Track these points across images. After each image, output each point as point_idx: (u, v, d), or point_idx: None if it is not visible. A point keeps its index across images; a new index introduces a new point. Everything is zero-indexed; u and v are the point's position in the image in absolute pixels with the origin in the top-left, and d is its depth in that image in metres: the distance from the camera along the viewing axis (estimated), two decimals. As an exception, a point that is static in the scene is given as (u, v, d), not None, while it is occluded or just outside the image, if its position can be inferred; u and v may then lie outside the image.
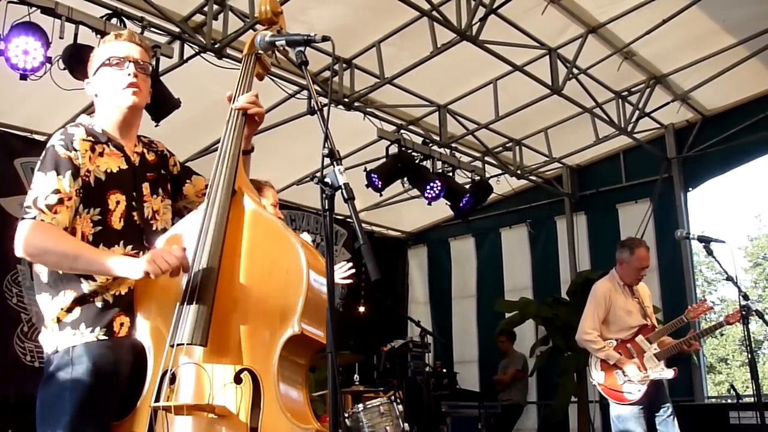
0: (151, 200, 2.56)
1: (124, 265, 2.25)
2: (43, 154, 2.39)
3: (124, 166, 2.49)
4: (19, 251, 2.29)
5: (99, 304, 2.35)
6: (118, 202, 2.43)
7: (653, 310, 5.90)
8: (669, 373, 5.39)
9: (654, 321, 5.68)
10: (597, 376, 5.52)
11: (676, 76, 8.38)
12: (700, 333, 5.87)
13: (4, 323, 6.56)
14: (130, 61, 2.52)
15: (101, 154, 2.45)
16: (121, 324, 2.36)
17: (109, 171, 2.44)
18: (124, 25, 5.47)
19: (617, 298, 5.55)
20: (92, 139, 2.45)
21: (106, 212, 2.40)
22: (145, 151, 2.63)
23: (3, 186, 6.72)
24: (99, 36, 5.30)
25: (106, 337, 2.33)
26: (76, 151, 2.37)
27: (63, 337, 2.33)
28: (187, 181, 2.74)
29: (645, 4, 6.89)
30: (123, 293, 2.38)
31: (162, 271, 2.19)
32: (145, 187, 2.55)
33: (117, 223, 2.42)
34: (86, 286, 2.34)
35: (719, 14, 7.20)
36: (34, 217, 2.26)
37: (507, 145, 9.32)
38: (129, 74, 2.49)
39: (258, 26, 2.84)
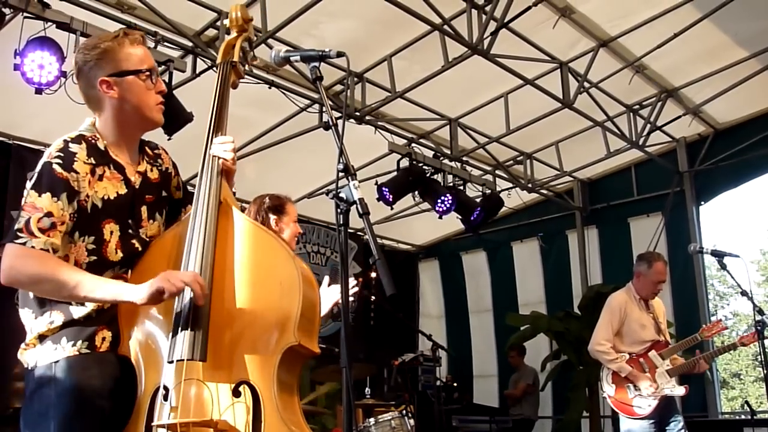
0: (147, 225, 2.43)
1: (130, 290, 2.15)
2: (39, 169, 2.21)
3: (123, 191, 2.35)
4: (7, 280, 2.13)
5: (81, 318, 2.25)
6: (112, 233, 2.30)
7: (666, 325, 5.87)
8: (680, 391, 5.36)
9: (667, 337, 5.64)
10: (608, 388, 5.49)
11: (688, 90, 8.37)
12: (712, 353, 5.81)
13: (15, 335, 6.54)
14: (155, 74, 2.42)
15: (101, 178, 2.30)
16: (103, 338, 2.26)
17: (106, 198, 2.30)
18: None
19: (632, 311, 5.52)
20: (93, 161, 2.28)
21: (101, 242, 2.28)
22: (149, 168, 2.49)
23: (17, 199, 6.72)
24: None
25: (89, 351, 2.23)
26: (76, 173, 2.21)
27: (44, 352, 2.23)
28: (183, 209, 2.61)
29: (656, 17, 6.88)
30: (105, 307, 2.26)
31: (173, 292, 2.11)
32: (143, 211, 2.42)
33: (114, 254, 2.30)
34: (77, 312, 2.24)
35: (731, 28, 7.18)
36: (25, 243, 2.10)
37: (518, 158, 9.31)
38: (159, 91, 2.42)
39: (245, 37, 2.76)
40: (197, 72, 6.23)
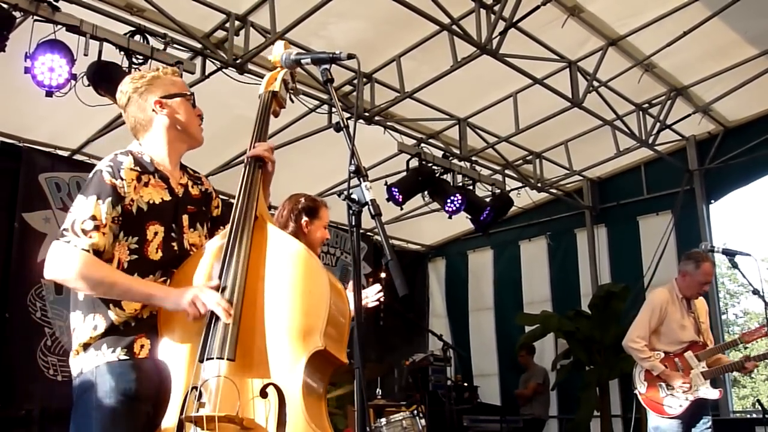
0: (188, 233, 2.59)
1: (161, 297, 2.36)
2: (90, 177, 2.45)
3: (167, 198, 2.54)
4: (50, 274, 2.35)
5: (121, 327, 2.40)
6: (156, 233, 2.48)
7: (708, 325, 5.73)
8: (714, 393, 5.26)
9: (708, 338, 5.48)
10: (640, 386, 5.40)
11: (698, 88, 8.33)
12: (760, 356, 5.66)
13: (28, 337, 6.59)
14: (194, 101, 2.68)
15: (146, 184, 2.50)
16: (142, 346, 2.40)
17: (151, 202, 2.49)
18: (147, 42, 5.54)
19: (673, 311, 5.39)
20: (139, 169, 2.50)
21: (143, 242, 2.45)
22: (190, 183, 2.69)
23: (28, 201, 6.79)
24: (122, 52, 5.37)
25: (128, 357, 2.37)
26: (122, 179, 2.43)
27: (87, 359, 2.38)
28: (221, 227, 2.73)
29: (665, 16, 6.86)
30: (145, 317, 2.41)
31: (200, 314, 2.28)
32: (185, 219, 2.60)
33: (154, 253, 2.47)
34: (114, 316, 2.39)
35: (741, 25, 7.14)
36: (69, 241, 2.31)
37: (527, 158, 9.31)
38: (198, 115, 2.68)
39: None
40: (206, 74, 6.25)
